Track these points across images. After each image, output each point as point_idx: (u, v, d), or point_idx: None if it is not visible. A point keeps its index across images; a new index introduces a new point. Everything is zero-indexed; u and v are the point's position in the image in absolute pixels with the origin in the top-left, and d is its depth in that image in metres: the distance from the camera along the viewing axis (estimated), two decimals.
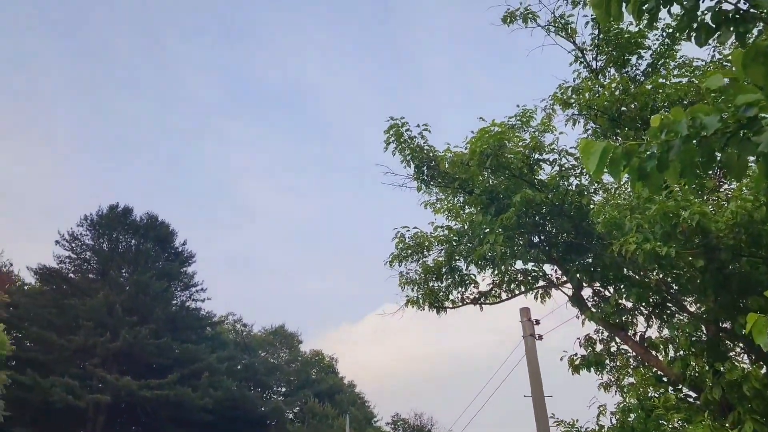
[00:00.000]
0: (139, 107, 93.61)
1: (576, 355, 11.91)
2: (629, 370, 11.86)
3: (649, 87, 10.28)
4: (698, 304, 9.90)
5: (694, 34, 3.90)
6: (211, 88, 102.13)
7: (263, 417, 47.35)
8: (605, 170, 3.22)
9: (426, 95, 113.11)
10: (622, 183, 9.75)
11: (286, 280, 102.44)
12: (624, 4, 3.62)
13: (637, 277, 10.33)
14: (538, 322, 15.15)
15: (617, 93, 10.47)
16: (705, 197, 9.20)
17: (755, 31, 3.67)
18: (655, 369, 10.46)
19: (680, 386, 9.97)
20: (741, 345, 9.55)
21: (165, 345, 39.59)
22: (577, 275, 11.04)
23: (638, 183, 3.26)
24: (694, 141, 3.02)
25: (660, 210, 7.78)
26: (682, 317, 10.32)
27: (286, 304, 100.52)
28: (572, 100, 11.08)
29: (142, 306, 40.24)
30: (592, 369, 11.69)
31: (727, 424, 8.46)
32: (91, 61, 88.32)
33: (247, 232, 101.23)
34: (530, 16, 11.97)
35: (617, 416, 11.14)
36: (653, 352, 10.47)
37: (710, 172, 8.39)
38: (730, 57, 10.00)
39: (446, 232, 12.53)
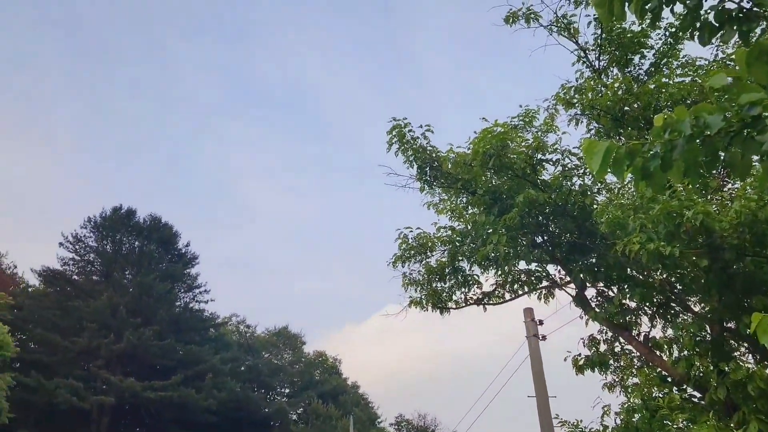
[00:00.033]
0: (139, 107, 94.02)
1: (580, 355, 11.90)
2: (633, 371, 11.84)
3: (652, 86, 10.27)
4: (702, 304, 9.88)
5: (698, 33, 3.89)
6: (211, 88, 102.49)
7: (267, 418, 47.36)
8: (608, 170, 3.21)
9: (426, 95, 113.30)
10: (625, 183, 9.73)
11: (286, 281, 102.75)
12: (627, 4, 3.62)
13: (640, 276, 10.30)
14: (541, 322, 15.13)
15: (620, 93, 10.45)
16: (709, 197, 9.19)
17: (758, 30, 3.66)
18: (659, 369, 10.44)
19: (685, 386, 9.95)
20: (746, 345, 9.52)
21: (169, 346, 39.65)
22: (581, 275, 11.02)
23: (642, 183, 3.26)
24: (698, 140, 3.01)
25: (663, 209, 7.76)
26: (686, 317, 10.30)
27: (288, 305, 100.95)
28: (575, 100, 11.07)
29: (145, 307, 40.32)
30: (596, 369, 11.67)
31: (731, 424, 8.44)
32: (91, 61, 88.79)
33: (247, 232, 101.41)
34: (533, 16, 11.97)
35: (621, 416, 11.12)
36: (657, 352, 10.45)
37: (714, 171, 8.38)
38: (733, 56, 9.97)
39: (449, 232, 12.53)
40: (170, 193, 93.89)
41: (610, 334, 11.89)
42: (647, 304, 10.38)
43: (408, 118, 11.99)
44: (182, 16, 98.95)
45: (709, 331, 9.60)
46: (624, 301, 10.60)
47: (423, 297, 12.67)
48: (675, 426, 9.81)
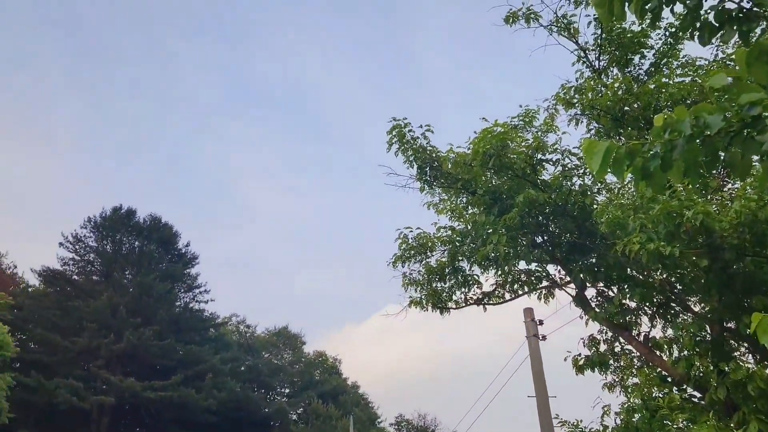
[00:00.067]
0: (139, 107, 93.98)
1: (580, 355, 11.90)
2: (633, 371, 11.84)
3: (652, 86, 10.27)
4: (702, 304, 9.87)
5: (698, 33, 3.89)
6: (211, 88, 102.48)
7: (267, 418, 47.36)
8: (608, 170, 3.21)
9: (426, 95, 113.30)
10: (625, 183, 9.73)
11: (286, 281, 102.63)
12: (627, 4, 3.62)
13: (640, 276, 10.30)
14: (541, 322, 15.13)
15: (620, 93, 10.45)
16: (709, 197, 9.18)
17: (758, 30, 3.66)
18: (659, 369, 10.44)
19: (685, 386, 9.94)
20: (746, 345, 9.52)
21: (169, 346, 39.65)
22: (581, 275, 11.02)
23: (642, 182, 3.26)
24: (698, 140, 3.01)
25: (663, 210, 7.76)
26: (686, 317, 10.30)
27: (287, 305, 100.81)
28: (575, 100, 11.07)
29: (145, 308, 40.32)
30: (596, 369, 11.67)
31: (731, 425, 8.44)
32: (91, 61, 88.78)
33: (247, 232, 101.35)
34: (533, 16, 11.97)
35: (621, 416, 11.12)
36: (657, 352, 10.44)
37: (714, 171, 8.38)
38: (733, 56, 9.97)
39: (449, 232, 12.53)
40: (170, 193, 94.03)
41: (610, 334, 11.89)
42: (647, 304, 10.37)
43: (408, 118, 12.02)
44: (182, 16, 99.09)
45: (709, 331, 9.60)
46: (624, 301, 10.60)
47: (423, 297, 12.67)
48: (675, 426, 9.81)
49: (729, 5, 3.72)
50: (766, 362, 9.12)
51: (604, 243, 10.19)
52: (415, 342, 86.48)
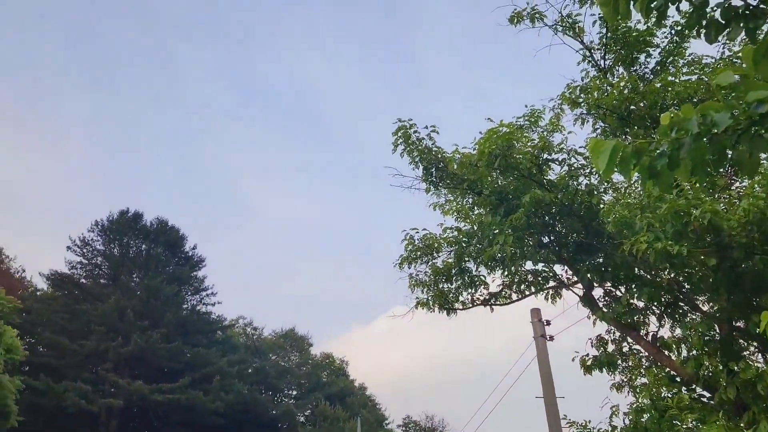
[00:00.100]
0: (140, 107, 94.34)
1: (588, 355, 11.85)
2: (642, 371, 11.78)
3: (659, 85, 10.23)
4: (711, 303, 9.83)
5: (704, 31, 3.87)
6: (212, 88, 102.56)
7: (274, 420, 47.43)
8: (615, 169, 3.19)
9: (428, 95, 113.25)
10: (632, 182, 9.70)
11: (291, 282, 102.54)
12: (632, 2, 3.60)
13: (648, 276, 10.26)
14: (549, 322, 15.08)
15: (626, 92, 10.42)
16: (716, 195, 9.14)
17: (765, 27, 3.63)
18: (668, 369, 10.38)
19: (694, 386, 9.89)
20: (755, 344, 9.47)
21: (176, 349, 39.79)
22: (588, 275, 10.98)
23: (649, 182, 3.24)
24: (705, 138, 2.99)
25: (671, 208, 7.73)
26: (694, 316, 10.24)
27: (294, 307, 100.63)
28: (581, 100, 11.04)
29: (153, 310, 40.49)
30: (604, 369, 11.62)
31: (741, 424, 8.39)
32: (92, 62, 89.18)
33: (247, 232, 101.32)
34: (537, 15, 11.95)
35: (630, 417, 11.06)
36: (666, 352, 10.40)
37: (721, 169, 8.34)
38: (740, 53, 9.93)
39: (455, 233, 12.52)
40: (170, 193, 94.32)
41: (618, 334, 11.84)
42: (655, 303, 10.33)
43: (413, 119, 12.04)
44: (184, 16, 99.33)
45: (717, 331, 9.55)
46: (632, 301, 10.56)
47: (430, 298, 12.66)
48: (684, 426, 9.76)
49: (735, 2, 3.70)
50: None
51: (611, 243, 10.16)
52: (422, 343, 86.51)
